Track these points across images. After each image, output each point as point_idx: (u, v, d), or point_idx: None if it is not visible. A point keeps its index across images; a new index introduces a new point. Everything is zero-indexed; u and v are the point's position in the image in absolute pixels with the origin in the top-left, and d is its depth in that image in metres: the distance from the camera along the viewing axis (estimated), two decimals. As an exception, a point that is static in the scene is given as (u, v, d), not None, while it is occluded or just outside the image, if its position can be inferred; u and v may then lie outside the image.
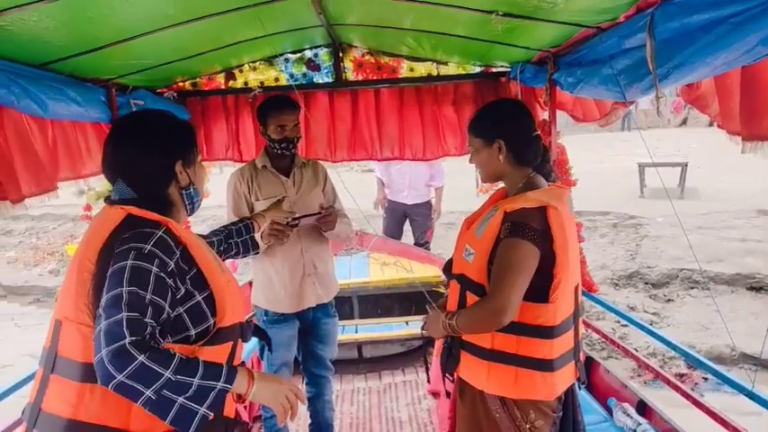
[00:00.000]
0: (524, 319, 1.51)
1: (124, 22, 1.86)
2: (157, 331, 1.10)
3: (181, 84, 3.11)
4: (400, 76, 3.15)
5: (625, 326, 5.21)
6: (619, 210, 8.79)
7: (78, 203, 2.71)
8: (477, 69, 3.17)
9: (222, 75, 3.15)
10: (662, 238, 7.62)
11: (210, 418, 1.10)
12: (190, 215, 1.40)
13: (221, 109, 3.14)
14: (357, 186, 2.62)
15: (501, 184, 1.78)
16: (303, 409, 2.65)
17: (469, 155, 1.75)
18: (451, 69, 3.17)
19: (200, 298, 1.19)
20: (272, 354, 2.42)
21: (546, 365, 1.54)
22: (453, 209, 9.76)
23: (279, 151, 2.36)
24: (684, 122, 24.02)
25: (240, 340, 1.31)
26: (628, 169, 11.10)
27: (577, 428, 1.68)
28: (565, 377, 1.60)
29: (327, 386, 2.68)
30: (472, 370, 1.62)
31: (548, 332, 1.53)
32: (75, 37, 1.85)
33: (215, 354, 1.19)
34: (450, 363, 1.68)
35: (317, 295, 2.47)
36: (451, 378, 1.70)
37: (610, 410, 2.22)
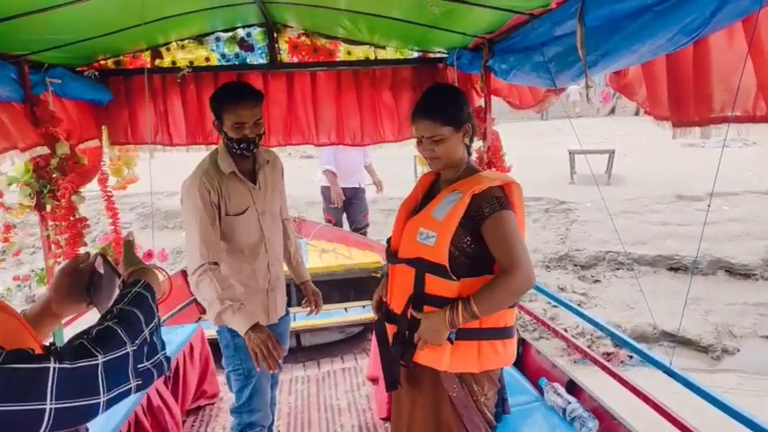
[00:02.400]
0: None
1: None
2: None
3: (102, 62, 2.91)
4: (337, 60, 3.09)
5: (555, 307, 5.42)
6: (550, 195, 9.13)
7: None
8: (416, 54, 3.16)
9: (148, 53, 2.96)
10: (590, 222, 7.99)
11: None
12: None
13: (147, 89, 2.96)
14: (296, 173, 2.55)
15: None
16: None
17: (428, 147, 1.64)
18: (389, 54, 3.14)
19: None
20: (245, 366, 2.09)
21: (507, 332, 1.63)
22: (393, 195, 9.84)
23: (238, 152, 1.95)
24: (613, 111, 25.26)
25: None
26: (559, 157, 11.56)
27: (505, 398, 1.78)
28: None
29: (275, 384, 2.58)
30: (432, 353, 1.60)
31: None
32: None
33: None
34: (407, 351, 1.64)
35: (283, 305, 2.29)
36: (408, 365, 1.65)
37: (541, 390, 2.29)
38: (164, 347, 0.91)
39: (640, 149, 13.20)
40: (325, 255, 4.49)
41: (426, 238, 1.59)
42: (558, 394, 2.17)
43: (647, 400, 1.85)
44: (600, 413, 2.05)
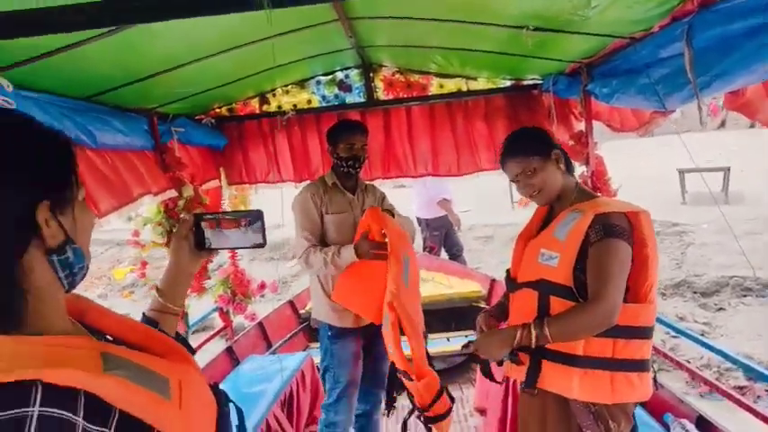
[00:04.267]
0: (623, 321, 1.49)
1: (167, 53, 1.93)
2: None
3: (218, 110, 3.21)
4: (430, 93, 3.17)
5: (675, 337, 5.02)
6: (661, 217, 8.53)
7: (125, 228, 2.80)
8: (508, 83, 3.16)
9: (256, 99, 3.23)
10: (708, 245, 7.36)
11: None
12: (69, 290, 0.77)
13: (257, 132, 3.22)
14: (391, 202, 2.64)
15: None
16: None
17: (524, 183, 1.65)
18: (481, 84, 3.17)
19: None
20: (338, 371, 2.42)
21: (643, 366, 1.55)
22: (488, 222, 9.69)
23: (345, 170, 2.39)
24: (723, 124, 23.26)
25: None
26: (666, 175, 10.80)
27: None
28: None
29: (378, 405, 2.67)
30: (559, 378, 1.56)
31: (647, 332, 1.54)
32: (120, 69, 1.94)
33: None
34: (530, 375, 1.61)
35: None
36: (534, 392, 1.62)
37: (667, 427, 2.13)
38: None
39: (758, 165, 12.00)
40: (424, 284, 4.51)
41: (549, 259, 1.57)
42: (687, 431, 2.01)
43: None
44: (734, 454, 1.87)
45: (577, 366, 1.53)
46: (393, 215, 2.45)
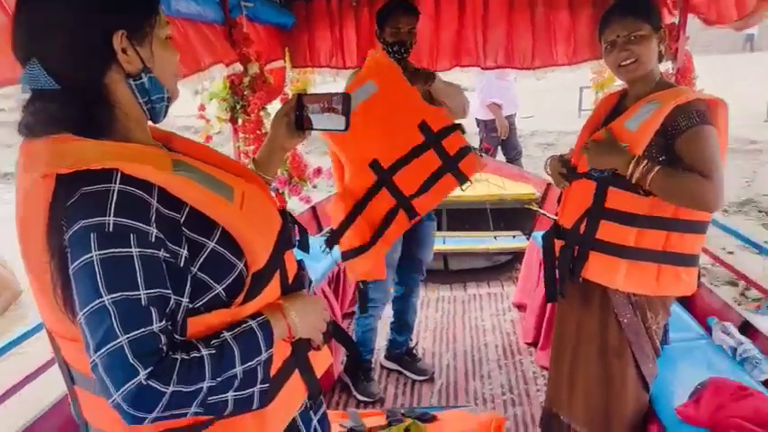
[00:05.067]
0: (681, 214, 1.48)
1: None
2: (178, 322, 0.80)
3: (286, -13, 3.12)
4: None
5: (731, 252, 4.91)
6: (738, 134, 8.00)
7: (188, 114, 2.86)
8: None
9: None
10: (784, 165, 6.92)
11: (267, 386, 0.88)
12: (155, 122, 0.91)
13: (325, 13, 3.13)
14: None
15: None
16: (388, 307, 2.81)
17: (623, 48, 1.53)
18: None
19: (211, 245, 0.83)
20: None
21: (691, 261, 1.56)
22: (551, 129, 9.35)
23: (392, 55, 2.29)
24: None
25: (288, 254, 1.01)
26: (751, 92, 9.97)
27: (667, 329, 1.72)
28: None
29: (416, 289, 2.80)
30: (605, 269, 1.58)
31: (702, 227, 1.54)
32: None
33: (264, 303, 0.91)
34: (577, 263, 1.63)
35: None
36: (576, 279, 1.64)
37: (709, 329, 2.15)
38: (265, 382, 0.87)
39: None
40: (478, 183, 4.48)
41: None
42: (729, 334, 2.03)
43: None
44: (777, 357, 1.89)
45: (625, 257, 1.54)
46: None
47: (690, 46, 2.59)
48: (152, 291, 0.75)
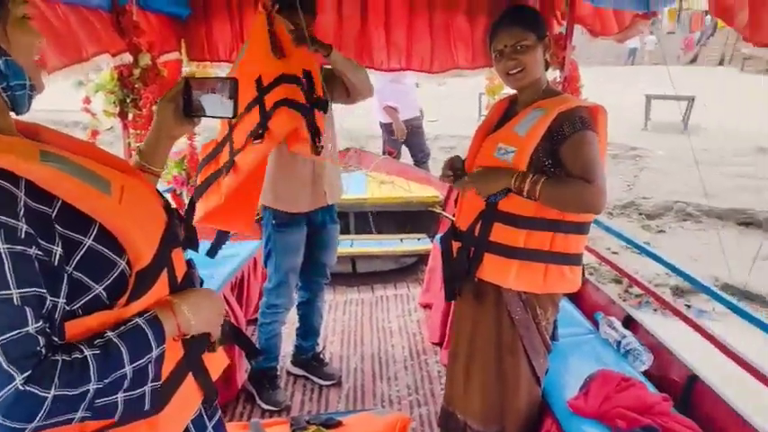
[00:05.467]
0: (565, 215, 1.55)
1: None
2: (55, 325, 0.74)
3: (182, -25, 2.94)
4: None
5: (615, 252, 5.33)
6: (620, 141, 8.74)
7: (71, 110, 2.61)
8: (494, -23, 3.01)
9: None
10: (660, 171, 7.64)
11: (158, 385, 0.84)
12: (18, 113, 0.82)
13: (224, 5, 2.98)
14: (352, 107, 2.55)
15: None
16: (293, 312, 2.74)
17: (510, 57, 1.59)
18: (467, -24, 3.00)
19: (88, 242, 0.77)
20: (279, 259, 2.44)
21: (575, 260, 1.64)
22: (454, 133, 9.68)
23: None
24: (694, 60, 23.43)
25: (176, 252, 0.95)
26: (632, 103, 10.95)
27: (555, 326, 1.81)
28: None
29: (320, 293, 2.75)
30: (498, 269, 1.63)
31: (585, 228, 1.61)
32: None
33: (150, 302, 0.86)
34: (472, 264, 1.67)
35: (332, 194, 2.47)
36: (471, 279, 1.69)
37: (596, 324, 2.30)
38: (156, 380, 0.83)
39: (723, 101, 12.26)
40: (383, 186, 4.55)
41: (505, 154, 1.58)
42: (614, 328, 2.18)
43: (714, 340, 1.84)
44: (655, 348, 2.05)
45: (516, 258, 1.59)
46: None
47: (577, 57, 2.76)
48: (25, 290, 0.68)
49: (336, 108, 2.44)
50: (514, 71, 1.60)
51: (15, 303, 0.67)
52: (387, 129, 5.39)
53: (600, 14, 2.52)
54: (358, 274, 4.18)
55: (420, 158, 5.52)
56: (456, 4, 3.02)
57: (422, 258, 4.17)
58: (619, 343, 2.10)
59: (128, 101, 2.58)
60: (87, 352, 0.73)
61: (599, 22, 2.56)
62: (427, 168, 5.40)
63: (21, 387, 0.66)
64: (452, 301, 1.87)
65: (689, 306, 4.64)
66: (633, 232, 6.14)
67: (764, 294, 4.87)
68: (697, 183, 6.81)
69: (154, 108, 2.53)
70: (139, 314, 0.82)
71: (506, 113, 1.76)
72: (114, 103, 2.58)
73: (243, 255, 3.12)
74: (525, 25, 1.57)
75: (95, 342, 0.75)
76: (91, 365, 0.72)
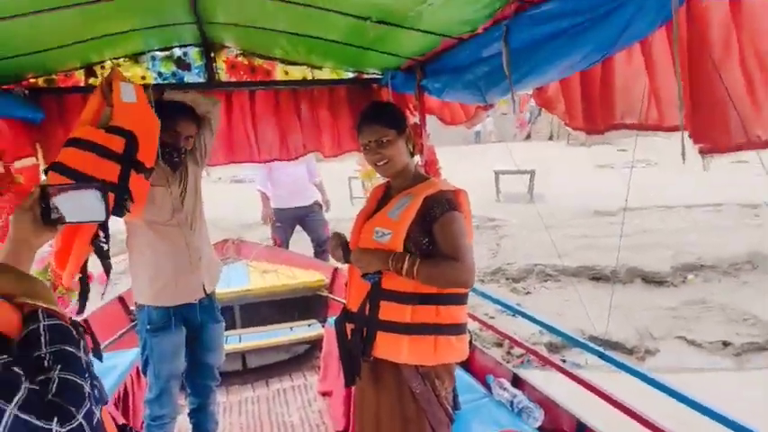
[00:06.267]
0: (444, 289, 1.67)
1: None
2: None
3: (33, 80, 2.82)
4: (275, 79, 3.16)
5: (492, 318, 5.66)
6: (480, 213, 9.52)
7: None
8: (351, 75, 3.29)
9: (81, 71, 2.91)
10: (517, 237, 8.41)
11: None
12: None
13: (81, 107, 2.85)
14: (227, 197, 2.59)
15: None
16: (185, 422, 2.54)
17: (375, 152, 1.78)
18: (326, 74, 3.25)
19: None
20: (158, 366, 2.29)
21: (461, 329, 1.74)
22: (329, 216, 9.86)
23: (164, 156, 2.26)
24: (528, 137, 26.86)
25: None
26: (484, 178, 12.11)
27: (456, 394, 1.89)
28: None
29: (212, 396, 2.60)
30: (391, 346, 1.69)
31: (463, 299, 1.74)
32: None
33: None
34: (366, 344, 1.72)
35: (210, 280, 2.43)
36: (368, 359, 1.73)
37: (488, 387, 2.43)
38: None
39: (556, 170, 14.04)
40: (267, 275, 4.48)
41: (382, 236, 1.70)
42: (505, 389, 2.32)
43: (596, 390, 2.03)
44: (544, 403, 2.20)
45: (406, 333, 1.68)
46: None
47: (432, 140, 3.06)
48: None
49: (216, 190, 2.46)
50: (381, 163, 1.78)
51: None
52: (273, 216, 5.35)
53: (449, 106, 2.86)
54: (249, 370, 3.99)
55: (316, 248, 5.44)
56: (319, 101, 3.24)
57: (315, 344, 4.10)
58: (511, 403, 2.23)
59: (-11, 207, 2.35)
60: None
61: (449, 112, 2.89)
62: (326, 258, 5.34)
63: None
64: (353, 386, 1.87)
65: (564, 360, 5.02)
66: (504, 295, 6.61)
67: (622, 342, 5.45)
68: (549, 245, 7.60)
69: (11, 218, 2.37)
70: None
71: (383, 198, 1.91)
72: (-40, 215, 2.33)
73: (122, 366, 2.86)
74: (385, 122, 1.76)
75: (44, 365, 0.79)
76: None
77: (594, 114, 1.65)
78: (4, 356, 0.74)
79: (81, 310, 2.15)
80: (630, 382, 1.98)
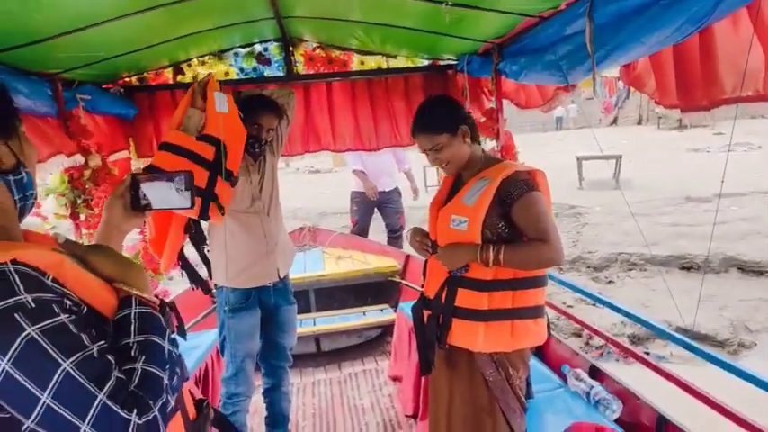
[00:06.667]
0: (520, 273, 1.65)
1: (71, 12, 1.81)
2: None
3: (127, 79, 3.04)
4: (351, 70, 3.20)
5: (570, 306, 5.47)
6: (560, 200, 9.19)
7: None
8: (426, 62, 3.27)
9: (170, 69, 3.09)
10: (601, 225, 8.03)
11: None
12: (20, 221, 0.90)
13: (170, 103, 3.08)
14: (305, 187, 2.67)
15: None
16: (260, 401, 2.65)
17: (433, 157, 1.78)
18: (401, 62, 3.25)
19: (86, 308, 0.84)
20: (234, 345, 2.41)
21: (538, 312, 1.71)
22: (405, 205, 9.93)
23: (248, 148, 2.31)
24: (615, 122, 25.48)
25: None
26: (565, 165, 11.66)
27: (529, 383, 1.86)
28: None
29: (285, 377, 2.70)
30: (467, 334, 1.69)
31: (541, 281, 1.70)
32: (19, 27, 1.79)
33: None
34: (442, 331, 1.73)
35: (284, 264, 2.52)
36: (443, 346, 1.74)
37: (564, 377, 2.35)
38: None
39: (646, 155, 13.24)
40: (341, 261, 4.58)
41: (459, 224, 1.68)
42: (581, 379, 2.23)
43: (681, 384, 1.92)
44: (623, 395, 2.11)
45: (482, 320, 1.66)
46: None
47: (509, 127, 2.98)
48: (96, 346, 0.78)
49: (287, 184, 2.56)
50: (442, 166, 1.79)
51: (95, 355, 0.75)
52: (356, 199, 5.44)
53: (524, 89, 2.77)
54: (323, 353, 4.10)
55: (390, 234, 5.53)
56: (394, 89, 3.26)
57: (386, 330, 4.15)
58: (588, 394, 2.15)
59: (79, 202, 2.57)
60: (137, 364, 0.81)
61: (524, 96, 2.80)
62: (400, 246, 5.38)
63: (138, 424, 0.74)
64: (429, 374, 1.87)
65: (648, 352, 4.77)
66: (584, 284, 6.35)
67: (712, 334, 5.09)
68: (636, 233, 7.19)
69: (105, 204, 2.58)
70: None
71: (455, 185, 1.88)
72: (65, 205, 2.56)
73: (204, 345, 3.03)
74: (435, 129, 1.73)
75: (131, 354, 0.83)
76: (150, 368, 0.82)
77: (693, 90, 1.53)
78: (102, 342, 0.78)
79: (206, 291, 2.48)
80: (719, 377, 1.85)
